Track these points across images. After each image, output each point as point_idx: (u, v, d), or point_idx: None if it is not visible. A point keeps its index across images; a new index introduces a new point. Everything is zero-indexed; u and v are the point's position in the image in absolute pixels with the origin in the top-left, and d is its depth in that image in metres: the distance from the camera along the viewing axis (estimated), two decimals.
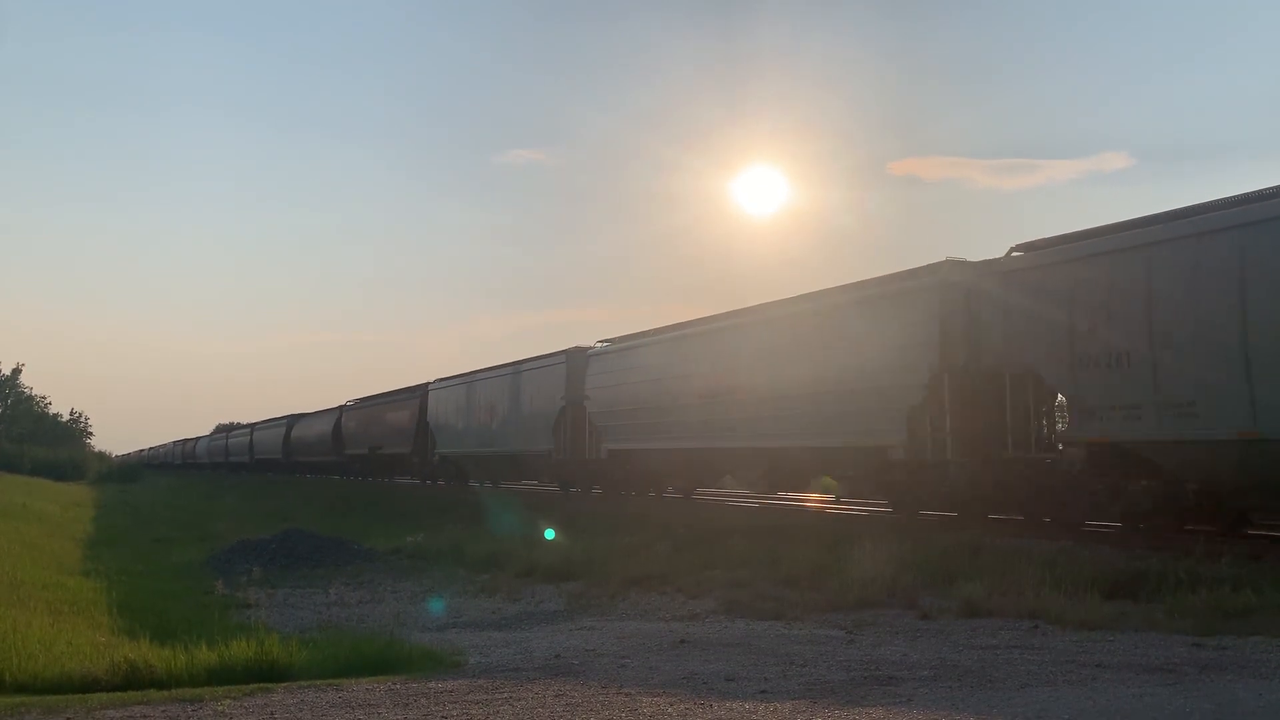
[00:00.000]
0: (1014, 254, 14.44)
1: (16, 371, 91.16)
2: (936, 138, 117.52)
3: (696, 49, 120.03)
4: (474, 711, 6.01)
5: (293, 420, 59.68)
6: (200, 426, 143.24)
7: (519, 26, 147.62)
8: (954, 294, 15.10)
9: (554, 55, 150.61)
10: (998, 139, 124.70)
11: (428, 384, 37.83)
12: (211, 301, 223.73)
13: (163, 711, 6.25)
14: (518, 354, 34.41)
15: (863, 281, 17.69)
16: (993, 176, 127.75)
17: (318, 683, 7.13)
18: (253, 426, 72.62)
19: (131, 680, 7.49)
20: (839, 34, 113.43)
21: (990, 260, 14.87)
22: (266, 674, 7.57)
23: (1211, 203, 12.11)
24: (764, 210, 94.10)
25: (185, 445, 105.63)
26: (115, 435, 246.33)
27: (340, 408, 49.51)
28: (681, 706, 6.00)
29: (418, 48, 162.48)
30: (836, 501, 20.64)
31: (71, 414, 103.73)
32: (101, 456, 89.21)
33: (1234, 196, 11.91)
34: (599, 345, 26.61)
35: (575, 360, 26.81)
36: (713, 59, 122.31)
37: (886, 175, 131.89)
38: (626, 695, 6.36)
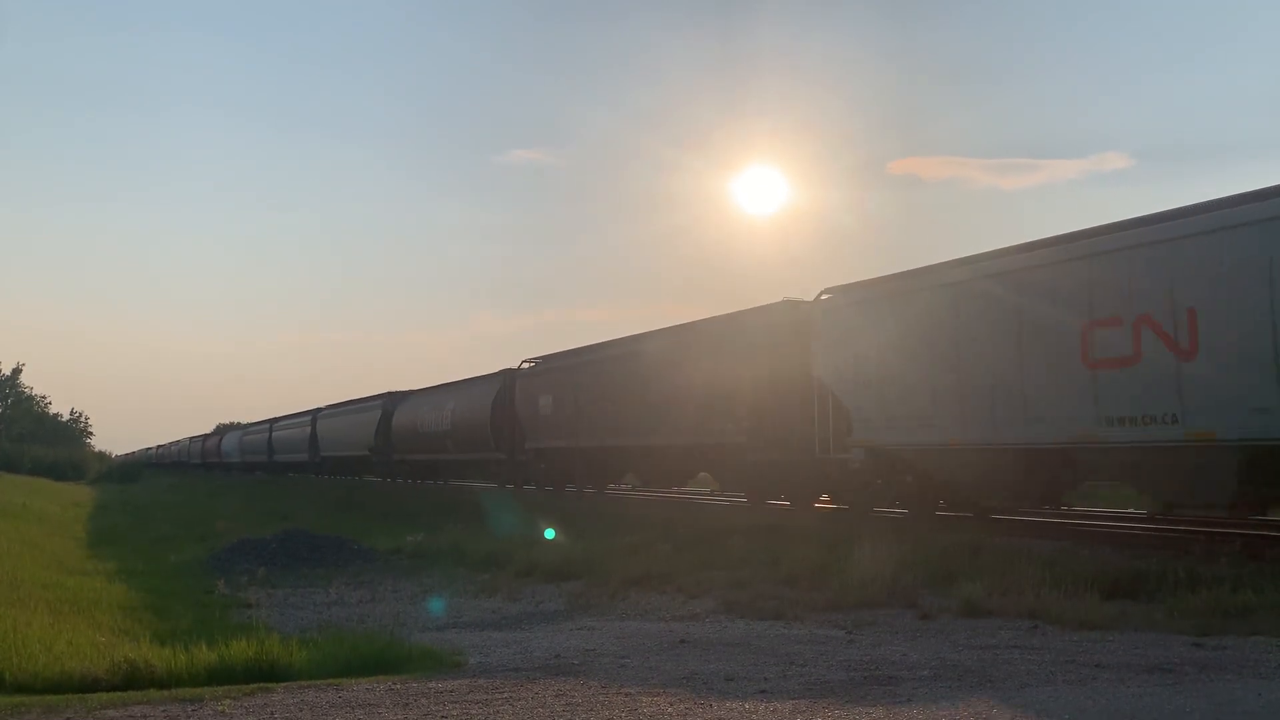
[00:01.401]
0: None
1: (17, 371, 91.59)
2: (936, 138, 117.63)
3: (696, 49, 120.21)
4: (474, 711, 6.01)
5: (391, 402, 41.67)
6: (200, 426, 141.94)
7: (519, 26, 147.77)
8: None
9: (554, 55, 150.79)
10: (998, 139, 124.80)
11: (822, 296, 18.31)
12: (211, 301, 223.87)
13: (163, 711, 6.26)
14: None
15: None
16: (993, 176, 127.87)
17: (318, 683, 7.14)
18: (314, 413, 52.75)
19: (132, 680, 7.49)
20: (839, 34, 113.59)
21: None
22: (267, 674, 7.57)
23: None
24: (764, 210, 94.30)
25: (205, 442, 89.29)
26: (115, 435, 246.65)
27: (507, 373, 31.95)
28: (681, 706, 6.00)
29: (418, 48, 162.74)
30: None
31: (71, 414, 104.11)
32: (101, 456, 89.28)
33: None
34: None
35: None
36: (713, 59, 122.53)
37: (886, 175, 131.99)
38: (626, 695, 6.37)
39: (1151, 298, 12.13)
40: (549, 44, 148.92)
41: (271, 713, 6.11)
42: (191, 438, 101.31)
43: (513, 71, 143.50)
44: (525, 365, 32.18)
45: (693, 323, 23.33)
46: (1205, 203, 12.31)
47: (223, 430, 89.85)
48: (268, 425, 65.21)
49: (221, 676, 7.52)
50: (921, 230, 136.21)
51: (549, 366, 30.20)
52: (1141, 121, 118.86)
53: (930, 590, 10.55)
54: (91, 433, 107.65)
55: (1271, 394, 10.88)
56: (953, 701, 5.96)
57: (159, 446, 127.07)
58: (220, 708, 6.29)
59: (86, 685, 7.37)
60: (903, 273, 16.77)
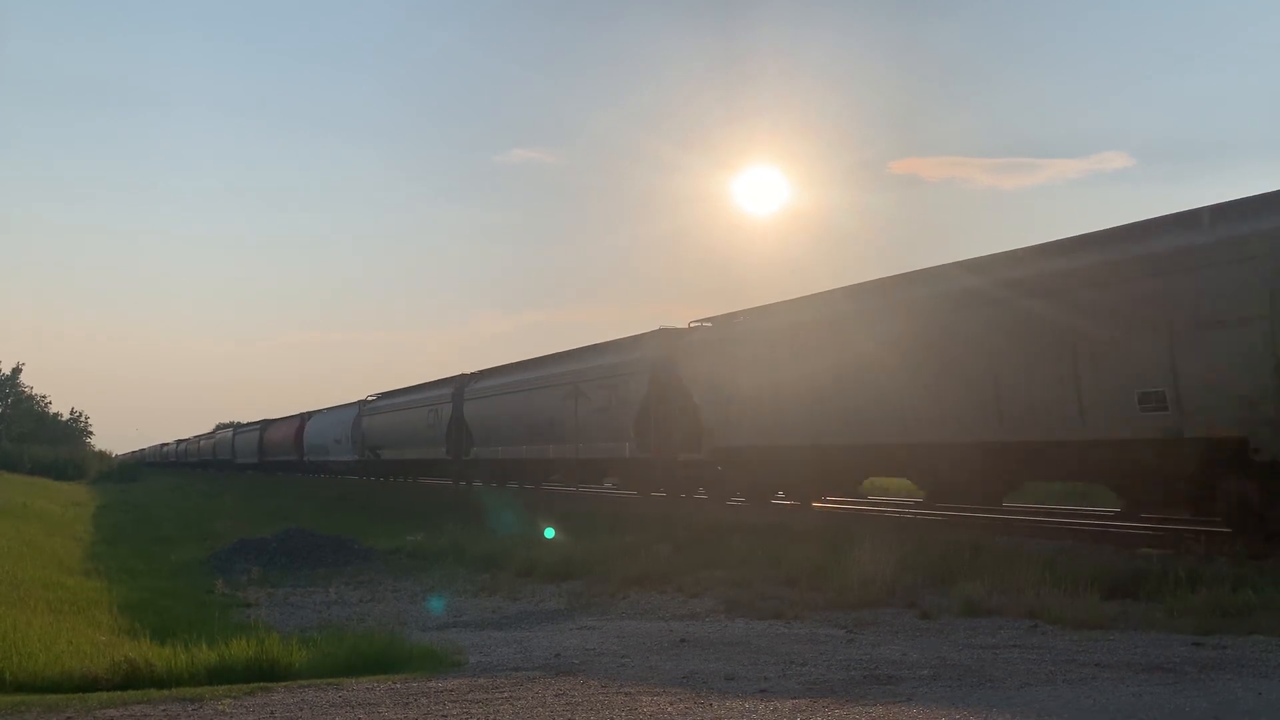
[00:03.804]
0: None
1: (17, 371, 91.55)
2: (937, 138, 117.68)
3: (696, 49, 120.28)
4: (474, 711, 6.01)
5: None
6: (200, 426, 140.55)
7: (519, 26, 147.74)
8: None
9: (554, 55, 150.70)
10: (998, 139, 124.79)
11: None
12: (211, 301, 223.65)
13: (163, 711, 6.26)
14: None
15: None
16: (993, 176, 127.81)
17: (318, 682, 7.14)
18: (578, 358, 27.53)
19: (131, 679, 7.49)
20: (839, 34, 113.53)
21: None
22: (267, 673, 7.57)
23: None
24: (765, 210, 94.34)
25: (267, 433, 63.60)
26: (115, 435, 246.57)
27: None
28: (681, 706, 6.00)
29: (418, 48, 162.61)
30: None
31: (72, 413, 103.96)
32: (102, 456, 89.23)
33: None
34: None
35: None
36: (713, 59, 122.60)
37: (887, 175, 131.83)
38: (626, 694, 6.37)
39: None
40: (549, 44, 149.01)
41: (272, 712, 6.11)
42: (237, 427, 77.09)
43: (513, 71, 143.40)
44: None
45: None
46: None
47: (259, 425, 66.60)
48: (448, 392, 33.62)
49: (221, 676, 7.52)
50: (922, 230, 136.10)
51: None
52: (1143, 121, 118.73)
53: (930, 590, 10.56)
54: (91, 432, 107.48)
55: None
56: (953, 701, 5.96)
57: (179, 442, 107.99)
58: (220, 707, 6.29)
59: (86, 685, 7.37)
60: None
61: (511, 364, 33.98)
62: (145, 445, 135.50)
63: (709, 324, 21.99)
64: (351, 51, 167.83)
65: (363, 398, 47.13)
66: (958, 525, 15.02)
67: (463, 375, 36.65)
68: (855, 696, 6.14)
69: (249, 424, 72.28)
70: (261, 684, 7.04)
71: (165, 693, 6.90)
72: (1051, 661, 7.10)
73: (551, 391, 28.25)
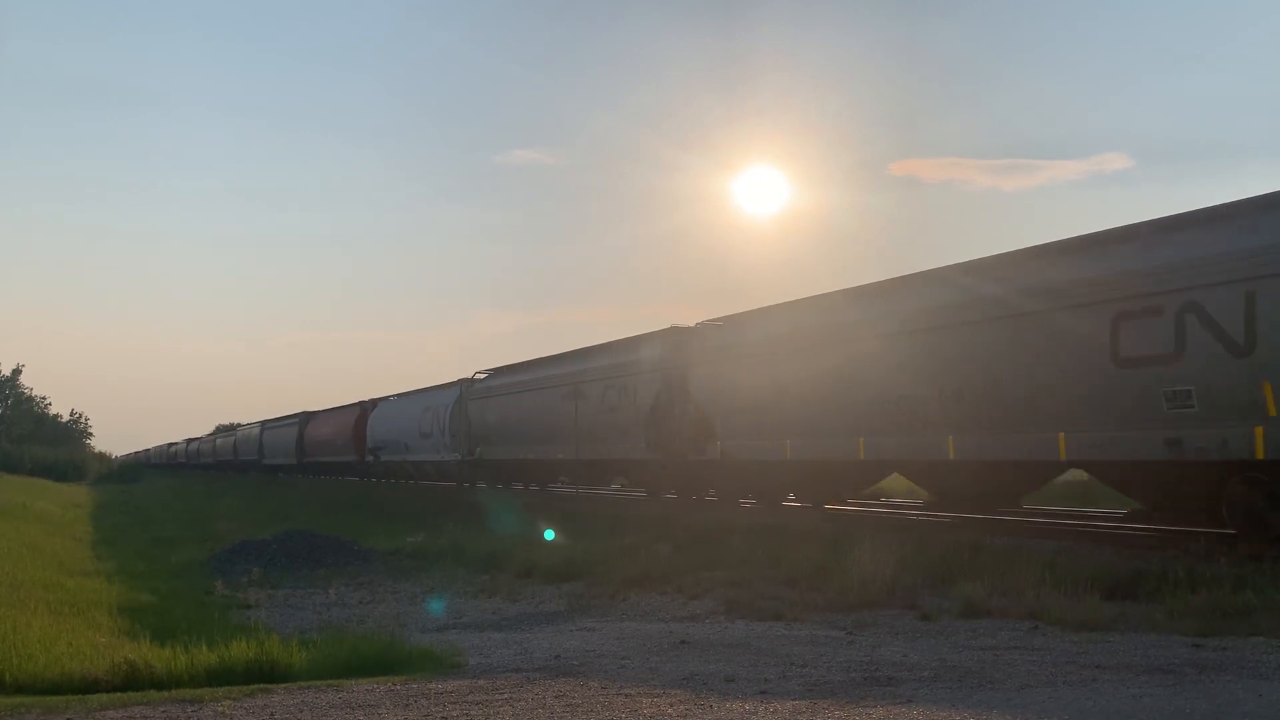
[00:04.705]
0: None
1: (17, 372, 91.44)
2: (937, 138, 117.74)
3: (696, 49, 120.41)
4: (474, 712, 6.01)
5: None
6: (200, 426, 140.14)
7: (519, 26, 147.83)
8: None
9: (554, 55, 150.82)
10: (998, 139, 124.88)
11: None
12: (211, 301, 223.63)
13: (162, 712, 6.26)
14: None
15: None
16: (993, 177, 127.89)
17: (318, 683, 7.13)
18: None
19: (131, 681, 7.50)
20: (839, 34, 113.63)
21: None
22: (267, 675, 7.57)
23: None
24: (765, 210, 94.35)
25: (310, 427, 50.67)
26: (115, 435, 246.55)
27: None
28: (681, 707, 6.00)
29: (418, 48, 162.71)
30: None
31: (72, 414, 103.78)
32: (101, 457, 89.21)
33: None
34: None
35: None
36: (713, 59, 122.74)
37: (886, 175, 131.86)
38: (627, 696, 6.36)
39: None
40: (549, 44, 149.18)
41: (271, 713, 6.11)
42: (265, 422, 61.53)
43: (513, 71, 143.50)
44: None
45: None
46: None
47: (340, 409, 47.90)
48: (653, 355, 23.45)
49: (221, 677, 7.53)
50: (922, 231, 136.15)
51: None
52: (1143, 122, 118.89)
53: (930, 590, 10.55)
54: (91, 433, 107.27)
55: None
56: (953, 703, 5.96)
57: (189, 441, 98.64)
58: (220, 708, 6.29)
59: (86, 686, 7.37)
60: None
61: (789, 302, 19.34)
62: (138, 448, 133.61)
63: None
64: (351, 51, 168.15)
65: (464, 376, 34.81)
66: (958, 525, 14.99)
67: (677, 328, 22.73)
68: (855, 698, 6.14)
69: (283, 418, 57.70)
70: (261, 685, 7.04)
71: (165, 694, 6.90)
72: (1052, 663, 7.09)
73: (964, 327, 14.73)
